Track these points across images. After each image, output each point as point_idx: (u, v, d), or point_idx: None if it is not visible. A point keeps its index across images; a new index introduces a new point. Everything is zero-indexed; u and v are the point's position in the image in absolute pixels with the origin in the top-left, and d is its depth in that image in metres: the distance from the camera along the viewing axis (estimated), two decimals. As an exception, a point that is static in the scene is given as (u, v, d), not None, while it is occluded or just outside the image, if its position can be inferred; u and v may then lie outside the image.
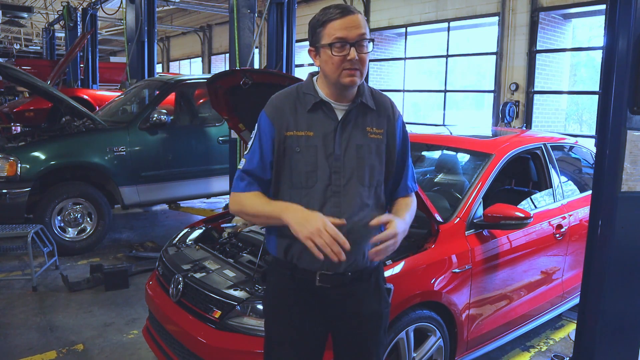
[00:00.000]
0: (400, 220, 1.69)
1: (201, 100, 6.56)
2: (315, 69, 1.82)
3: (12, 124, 9.65)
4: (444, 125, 11.31)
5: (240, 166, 1.79)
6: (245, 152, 1.81)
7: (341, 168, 1.71)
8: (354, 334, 1.81)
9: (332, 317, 1.80)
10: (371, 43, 1.69)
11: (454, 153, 3.65)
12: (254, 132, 1.79)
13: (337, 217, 1.64)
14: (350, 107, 1.73)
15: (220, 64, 20.19)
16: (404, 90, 12.88)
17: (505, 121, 9.76)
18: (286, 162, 1.73)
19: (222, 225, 3.25)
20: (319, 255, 1.55)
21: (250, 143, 1.80)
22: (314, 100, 1.73)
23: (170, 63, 24.48)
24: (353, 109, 1.74)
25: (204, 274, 2.62)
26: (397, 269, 2.46)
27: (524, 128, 9.51)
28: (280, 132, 1.72)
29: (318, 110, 1.73)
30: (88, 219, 5.28)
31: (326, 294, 1.76)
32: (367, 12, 13.12)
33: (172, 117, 5.86)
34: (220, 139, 6.08)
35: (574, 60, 10.91)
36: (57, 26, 16.13)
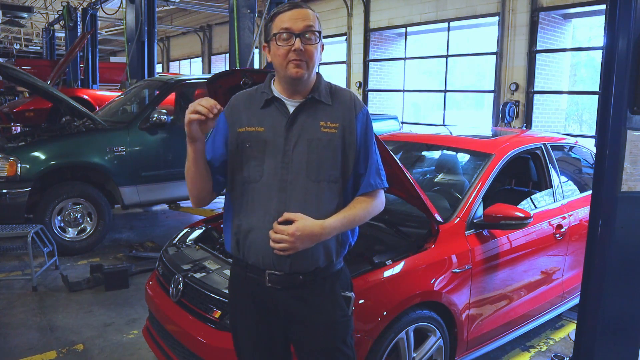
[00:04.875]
0: (308, 222, 1.62)
1: (201, 101, 6.55)
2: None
3: (12, 124, 9.65)
4: (444, 125, 11.31)
5: None
6: None
7: (289, 163, 1.69)
8: (307, 341, 1.77)
9: (285, 321, 1.77)
10: (319, 37, 1.68)
11: (454, 153, 3.65)
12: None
13: (283, 212, 1.66)
14: (302, 102, 1.73)
15: (220, 64, 20.20)
16: (404, 90, 12.88)
17: (505, 121, 9.76)
18: (238, 157, 1.75)
19: (222, 225, 3.25)
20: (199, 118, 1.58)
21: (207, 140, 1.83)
22: (266, 97, 1.75)
23: (170, 63, 24.49)
24: (305, 104, 1.73)
25: (204, 274, 2.62)
26: (397, 269, 2.46)
27: (524, 128, 9.52)
28: (234, 129, 1.76)
29: (270, 106, 1.75)
30: (88, 219, 5.28)
31: (277, 296, 1.74)
32: (367, 12, 13.13)
33: (172, 117, 5.86)
34: (220, 139, 6.06)
35: (574, 60, 10.91)
36: (57, 26, 16.16)
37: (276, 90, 1.76)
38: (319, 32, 1.69)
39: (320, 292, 1.76)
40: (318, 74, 1.79)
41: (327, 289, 1.77)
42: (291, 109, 1.73)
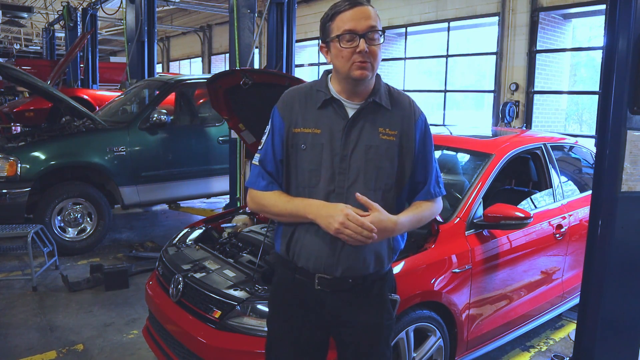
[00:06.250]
0: (383, 217, 1.59)
1: (201, 100, 6.57)
2: (316, 68, 1.81)
3: (12, 124, 9.64)
4: (444, 125, 11.31)
5: (255, 161, 1.76)
6: (259, 147, 1.78)
7: (347, 169, 1.64)
8: (351, 342, 1.76)
9: (330, 323, 1.76)
10: (382, 36, 1.63)
11: (454, 153, 3.65)
12: (268, 127, 1.77)
13: None
14: (362, 105, 1.67)
15: (220, 64, 20.19)
16: (404, 90, 12.85)
17: (505, 121, 9.76)
18: (292, 159, 1.70)
19: (222, 225, 3.25)
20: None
21: (263, 138, 1.77)
22: (324, 97, 1.68)
23: (170, 63, 24.47)
24: (365, 108, 1.67)
25: (204, 274, 2.62)
26: (397, 269, 2.46)
27: (524, 128, 9.52)
28: (290, 128, 1.69)
29: (328, 108, 1.68)
30: (88, 219, 5.28)
31: (325, 298, 1.72)
32: (367, 12, 13.10)
33: (172, 117, 5.86)
34: (220, 139, 6.08)
35: (574, 60, 10.91)
36: (57, 26, 16.13)
37: (334, 89, 1.70)
38: (383, 32, 1.63)
39: (369, 294, 1.74)
40: (377, 75, 1.72)
41: (376, 291, 1.75)
42: (350, 112, 1.67)
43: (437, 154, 3.78)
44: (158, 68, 19.35)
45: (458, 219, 2.82)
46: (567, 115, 11.10)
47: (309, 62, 15.02)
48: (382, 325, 1.76)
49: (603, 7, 8.59)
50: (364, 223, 1.54)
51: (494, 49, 10.37)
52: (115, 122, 5.73)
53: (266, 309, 2.00)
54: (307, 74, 14.55)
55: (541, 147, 3.61)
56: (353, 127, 1.66)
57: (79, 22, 12.66)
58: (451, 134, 4.31)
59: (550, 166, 3.60)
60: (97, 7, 12.11)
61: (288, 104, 1.72)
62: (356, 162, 1.65)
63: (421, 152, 1.73)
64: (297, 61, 5.89)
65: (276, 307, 1.84)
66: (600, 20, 9.35)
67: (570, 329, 3.69)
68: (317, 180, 1.66)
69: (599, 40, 9.90)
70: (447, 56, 11.68)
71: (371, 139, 1.66)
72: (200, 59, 21.54)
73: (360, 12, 1.60)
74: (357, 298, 1.72)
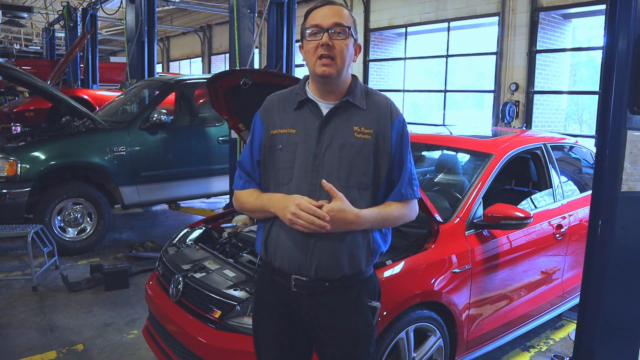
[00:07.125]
0: (345, 206, 1.59)
1: (201, 100, 6.57)
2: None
3: (12, 124, 9.64)
4: (444, 125, 11.31)
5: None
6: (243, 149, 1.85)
7: (320, 167, 1.66)
8: (327, 347, 1.75)
9: (308, 326, 1.75)
10: (350, 35, 1.65)
11: (454, 153, 3.65)
12: (251, 131, 1.83)
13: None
14: (336, 104, 1.70)
15: (220, 64, 20.20)
16: (404, 90, 12.87)
17: (505, 121, 9.76)
18: (270, 160, 1.73)
19: (222, 225, 3.25)
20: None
21: (247, 141, 1.84)
22: (300, 98, 1.72)
23: (170, 63, 24.48)
24: (339, 107, 1.69)
25: (204, 274, 2.62)
26: (397, 268, 2.46)
27: (524, 128, 9.52)
28: (268, 130, 1.74)
29: (304, 108, 1.72)
30: (88, 219, 5.28)
31: (302, 302, 1.71)
32: (367, 12, 13.11)
33: (172, 117, 5.86)
34: (220, 139, 6.08)
35: (574, 60, 10.91)
36: (57, 26, 16.13)
37: (310, 91, 1.74)
38: (349, 28, 1.65)
39: (346, 300, 1.72)
40: (354, 76, 1.76)
41: (354, 297, 1.73)
42: (325, 111, 1.70)
43: (437, 154, 3.79)
44: (158, 68, 19.35)
45: (458, 219, 2.82)
46: (567, 115, 11.10)
47: (309, 62, 15.02)
48: (359, 331, 1.73)
49: (603, 7, 8.60)
50: (316, 211, 1.56)
51: (494, 49, 10.37)
52: (115, 122, 5.73)
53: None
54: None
55: (541, 147, 3.61)
56: (327, 126, 1.68)
57: (79, 22, 12.66)
58: (451, 133, 4.31)
59: (550, 166, 3.60)
60: (97, 7, 12.11)
61: (268, 108, 1.79)
62: (329, 160, 1.67)
63: (397, 152, 1.73)
64: (297, 61, 5.89)
65: (258, 308, 1.86)
66: (600, 20, 9.35)
67: (570, 329, 3.69)
68: (290, 178, 1.69)
69: (599, 40, 9.90)
70: (447, 56, 11.68)
71: (346, 137, 1.67)
72: (200, 59, 21.55)
73: (329, 9, 1.66)
74: (333, 302, 1.71)
